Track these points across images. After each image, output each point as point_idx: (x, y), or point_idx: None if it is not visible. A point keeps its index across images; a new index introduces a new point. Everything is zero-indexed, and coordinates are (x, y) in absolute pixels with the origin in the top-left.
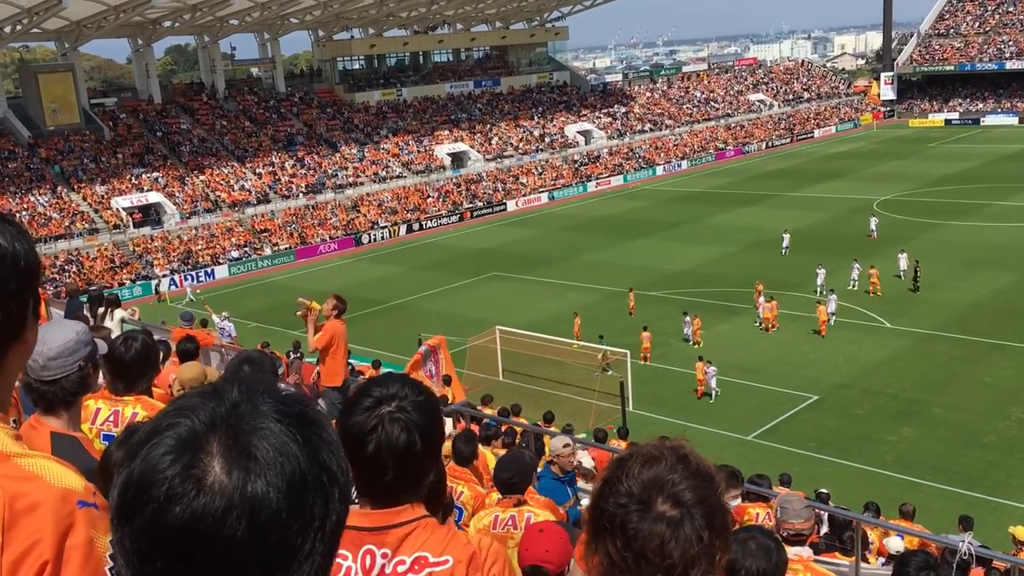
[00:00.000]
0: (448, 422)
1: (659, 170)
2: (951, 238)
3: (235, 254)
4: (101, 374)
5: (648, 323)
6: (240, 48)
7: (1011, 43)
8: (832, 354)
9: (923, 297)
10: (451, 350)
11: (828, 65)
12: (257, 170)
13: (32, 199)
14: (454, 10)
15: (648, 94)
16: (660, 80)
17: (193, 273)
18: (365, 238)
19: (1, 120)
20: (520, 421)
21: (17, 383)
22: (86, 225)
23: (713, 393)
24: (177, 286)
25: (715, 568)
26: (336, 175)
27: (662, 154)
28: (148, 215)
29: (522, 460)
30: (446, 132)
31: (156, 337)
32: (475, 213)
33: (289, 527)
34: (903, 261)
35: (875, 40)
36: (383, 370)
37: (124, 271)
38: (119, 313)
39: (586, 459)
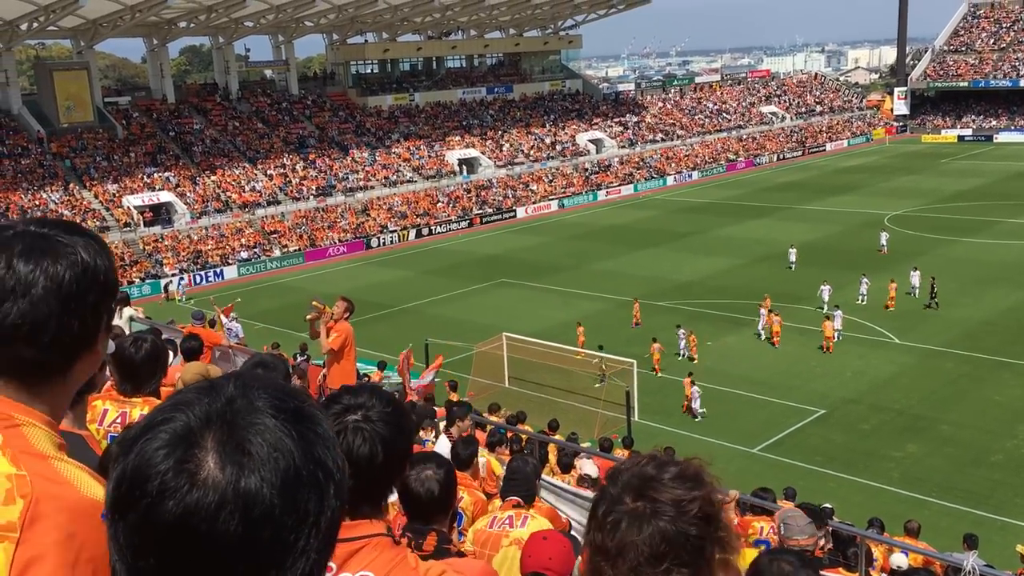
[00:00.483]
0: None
1: (670, 180)
2: (962, 255)
3: (244, 255)
4: (108, 374)
5: (656, 333)
6: (254, 50)
7: None
8: (840, 368)
9: (932, 313)
10: (458, 356)
11: (841, 79)
12: (268, 171)
13: (44, 196)
14: (468, 16)
15: (660, 104)
16: (672, 90)
17: (202, 273)
18: (374, 242)
19: (15, 117)
20: (525, 429)
21: None
22: (97, 223)
23: (699, 415)
24: (187, 285)
25: (711, 567)
26: (347, 178)
27: (673, 164)
28: (159, 214)
29: (525, 472)
30: (457, 138)
31: (164, 336)
32: (485, 219)
33: (283, 523)
34: (915, 278)
35: (889, 55)
36: (387, 373)
37: (133, 269)
38: (128, 311)
39: (591, 468)
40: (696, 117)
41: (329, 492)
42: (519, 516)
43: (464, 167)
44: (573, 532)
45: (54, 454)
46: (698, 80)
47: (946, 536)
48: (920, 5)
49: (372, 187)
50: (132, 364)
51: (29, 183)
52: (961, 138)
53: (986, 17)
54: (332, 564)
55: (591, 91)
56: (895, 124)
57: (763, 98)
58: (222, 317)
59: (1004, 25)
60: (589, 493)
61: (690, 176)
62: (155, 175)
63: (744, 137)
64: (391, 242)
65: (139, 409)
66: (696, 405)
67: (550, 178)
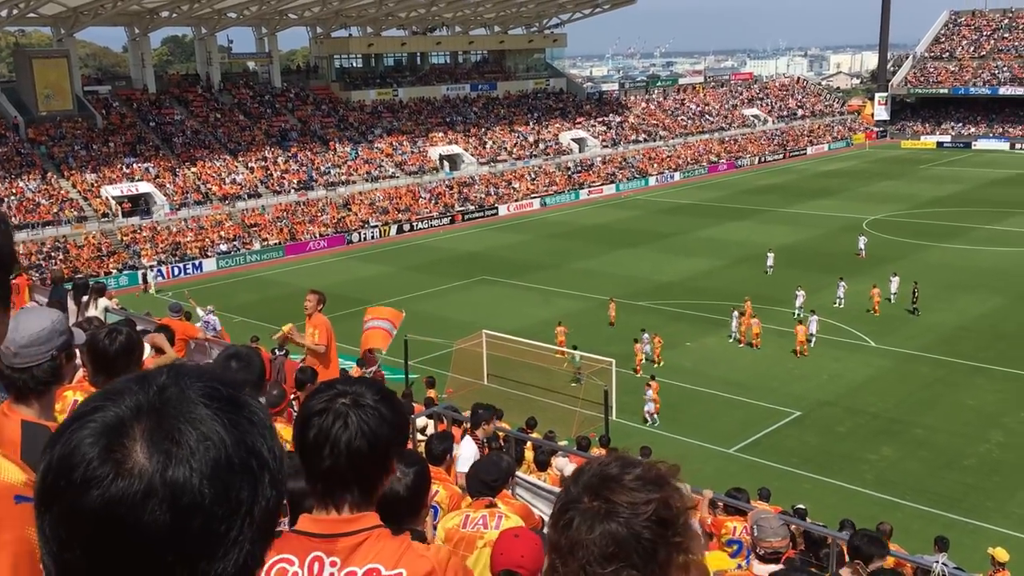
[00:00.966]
0: (430, 423)
1: (652, 180)
2: (939, 260)
3: (224, 248)
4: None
5: (639, 333)
6: (237, 42)
7: (1005, 69)
8: (816, 371)
9: (909, 318)
10: (437, 352)
11: (823, 83)
12: (249, 164)
13: (21, 184)
14: (453, 13)
15: (644, 104)
16: (656, 91)
17: (181, 265)
18: (355, 237)
19: None
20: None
21: None
22: (75, 212)
23: (650, 419)
24: (164, 277)
25: (665, 570)
26: (328, 172)
27: (655, 165)
28: (137, 205)
29: (501, 464)
30: (440, 134)
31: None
32: (466, 216)
33: (213, 513)
34: (895, 284)
35: (871, 60)
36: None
37: (111, 260)
38: (103, 302)
39: (568, 467)
40: (679, 118)
41: (264, 481)
42: (493, 516)
43: (447, 164)
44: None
45: None
46: (681, 81)
47: (918, 539)
48: (902, 12)
49: (354, 182)
50: (106, 356)
51: (6, 171)
52: (940, 144)
53: (967, 25)
54: (336, 559)
55: (575, 90)
56: (875, 129)
57: (745, 101)
58: (199, 310)
59: (985, 33)
60: None
61: (672, 177)
62: (134, 165)
63: (726, 139)
64: (372, 237)
65: None
66: (648, 408)
67: (532, 176)
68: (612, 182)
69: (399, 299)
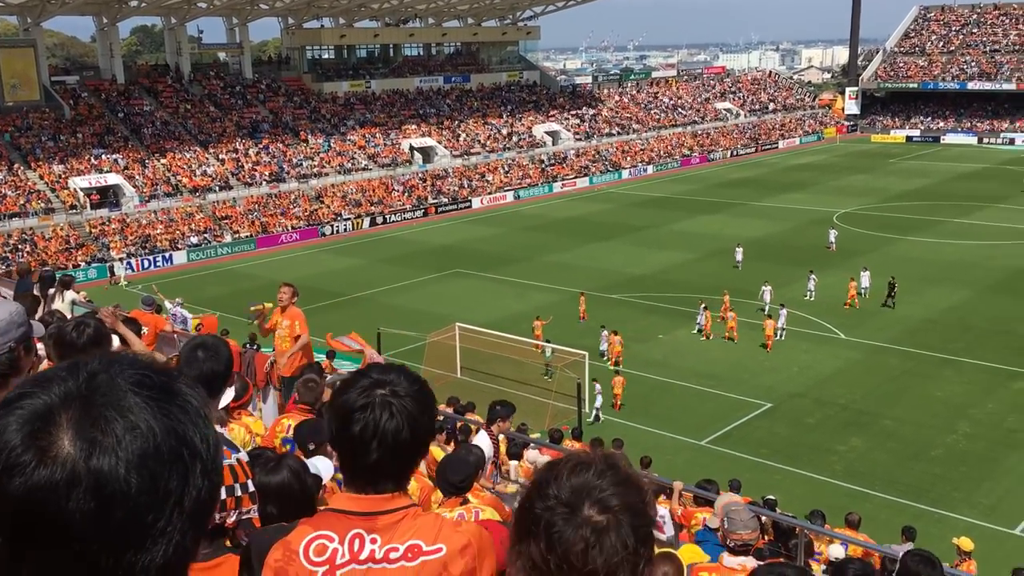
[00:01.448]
0: None
1: (625, 173)
2: (907, 253)
3: (194, 240)
4: (45, 357)
5: (615, 326)
6: (207, 32)
7: (973, 64)
8: (786, 363)
9: (878, 310)
10: (410, 345)
11: (795, 77)
12: (220, 156)
13: None
14: (426, 4)
15: (617, 97)
16: (629, 84)
17: (151, 258)
18: (328, 229)
19: None
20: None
21: None
22: (42, 204)
23: (594, 414)
24: (134, 270)
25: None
26: (301, 164)
27: (628, 158)
28: (106, 197)
29: (469, 460)
30: (414, 126)
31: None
32: (440, 209)
33: (140, 503)
34: (866, 279)
35: (842, 55)
36: (337, 361)
37: (79, 253)
38: (70, 295)
39: (541, 460)
40: (652, 111)
41: (195, 471)
42: (469, 512)
43: (420, 156)
44: None
45: None
46: (655, 75)
47: (886, 529)
48: (873, 7)
49: (326, 174)
50: (74, 348)
51: None
52: (909, 139)
53: (936, 20)
54: (377, 536)
55: (548, 83)
56: (846, 123)
57: (718, 94)
58: (167, 303)
59: (954, 28)
60: None
61: (645, 170)
62: (103, 157)
63: (699, 132)
64: (345, 230)
65: None
66: (597, 404)
67: (506, 169)
68: (585, 175)
69: (373, 292)
